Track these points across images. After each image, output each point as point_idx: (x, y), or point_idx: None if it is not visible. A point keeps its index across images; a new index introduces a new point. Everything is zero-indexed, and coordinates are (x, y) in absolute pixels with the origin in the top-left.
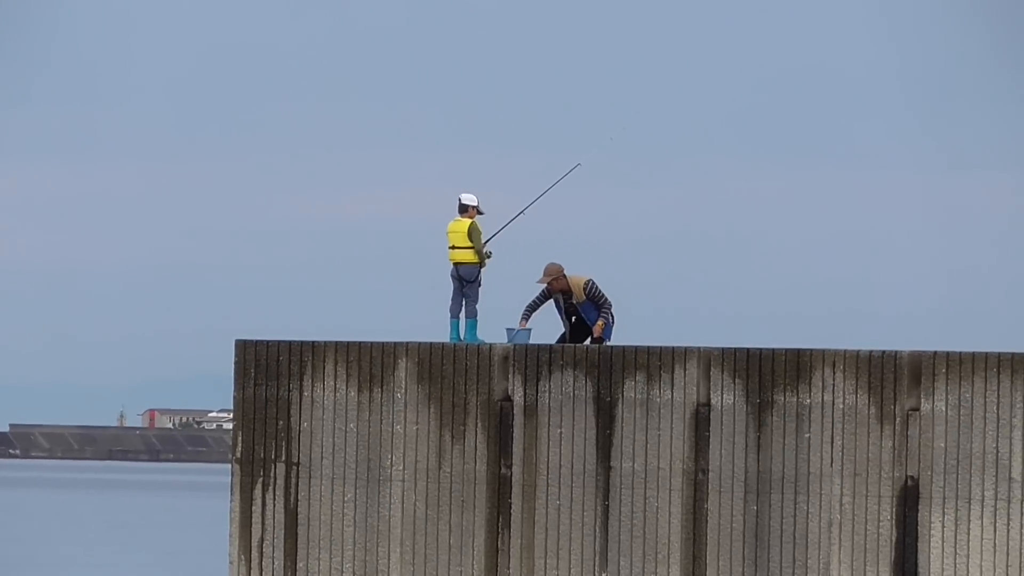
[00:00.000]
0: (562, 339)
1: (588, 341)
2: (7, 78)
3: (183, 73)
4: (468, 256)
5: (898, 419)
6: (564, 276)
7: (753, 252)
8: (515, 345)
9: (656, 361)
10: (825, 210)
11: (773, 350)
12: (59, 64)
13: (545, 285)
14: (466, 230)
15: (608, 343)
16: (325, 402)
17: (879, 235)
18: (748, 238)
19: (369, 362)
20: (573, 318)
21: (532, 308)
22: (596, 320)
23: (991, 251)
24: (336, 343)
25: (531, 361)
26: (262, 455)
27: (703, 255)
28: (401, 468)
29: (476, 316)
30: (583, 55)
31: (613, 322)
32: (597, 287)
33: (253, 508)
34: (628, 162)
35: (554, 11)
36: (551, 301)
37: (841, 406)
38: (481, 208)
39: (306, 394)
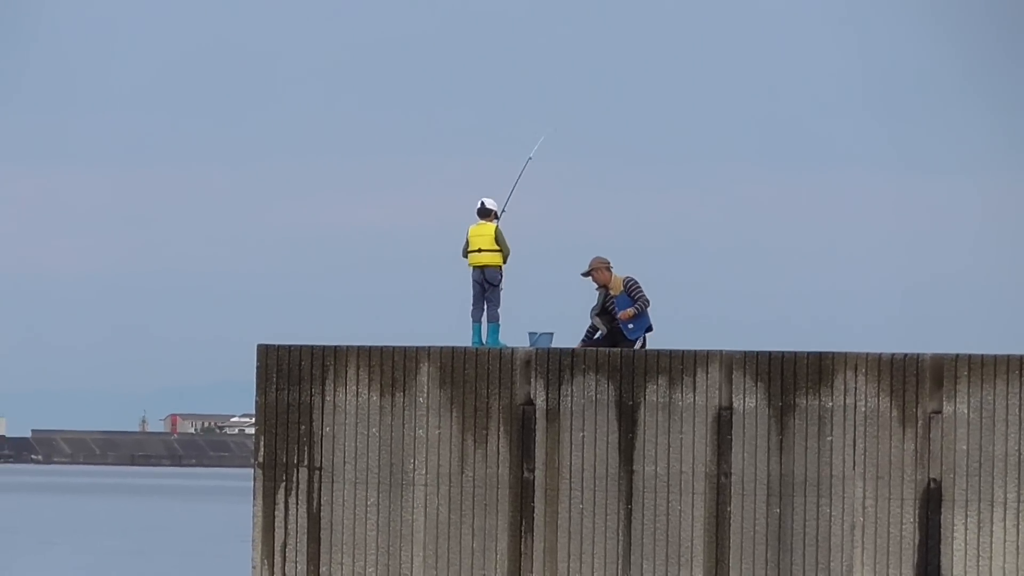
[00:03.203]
0: (597, 340)
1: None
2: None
3: (197, 80)
4: (495, 259)
5: (920, 422)
6: (608, 270)
7: (773, 256)
8: (537, 349)
9: (678, 365)
10: (846, 215)
11: (795, 353)
12: (71, 69)
13: (596, 287)
14: (492, 233)
15: (639, 346)
16: (347, 407)
17: (899, 240)
18: (769, 243)
19: (391, 366)
20: (612, 322)
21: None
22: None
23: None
24: (358, 348)
25: (553, 365)
26: (284, 460)
27: (724, 259)
28: (424, 472)
29: (498, 320)
30: (597, 62)
31: (651, 327)
32: (637, 284)
33: (276, 513)
34: (649, 168)
35: (568, 18)
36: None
37: (863, 409)
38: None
39: (328, 399)
